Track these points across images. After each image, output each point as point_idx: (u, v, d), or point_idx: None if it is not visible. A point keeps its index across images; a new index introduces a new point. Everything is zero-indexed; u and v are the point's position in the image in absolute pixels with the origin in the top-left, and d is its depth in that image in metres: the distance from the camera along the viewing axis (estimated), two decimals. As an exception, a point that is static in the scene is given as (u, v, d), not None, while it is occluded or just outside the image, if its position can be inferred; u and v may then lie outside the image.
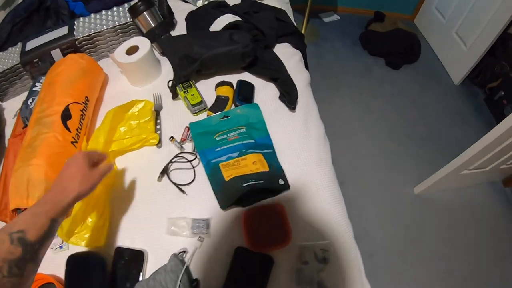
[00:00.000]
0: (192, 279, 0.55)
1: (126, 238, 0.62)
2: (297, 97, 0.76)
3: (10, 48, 0.85)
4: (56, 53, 0.82)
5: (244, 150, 0.67)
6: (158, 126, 0.74)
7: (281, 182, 0.64)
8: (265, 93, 0.80)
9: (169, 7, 0.95)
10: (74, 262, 0.58)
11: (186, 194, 0.65)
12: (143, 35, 0.86)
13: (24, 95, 0.82)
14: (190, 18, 0.96)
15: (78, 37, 0.83)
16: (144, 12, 0.82)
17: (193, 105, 0.74)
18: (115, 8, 0.90)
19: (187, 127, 0.74)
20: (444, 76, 1.95)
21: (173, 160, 0.69)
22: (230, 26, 0.84)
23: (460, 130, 1.68)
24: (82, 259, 0.58)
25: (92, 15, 0.89)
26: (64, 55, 0.83)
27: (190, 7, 1.03)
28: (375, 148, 1.63)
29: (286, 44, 0.92)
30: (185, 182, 0.67)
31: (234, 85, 0.78)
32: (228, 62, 0.78)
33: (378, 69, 1.98)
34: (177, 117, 0.76)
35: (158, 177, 0.68)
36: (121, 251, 0.59)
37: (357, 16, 2.32)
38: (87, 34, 0.83)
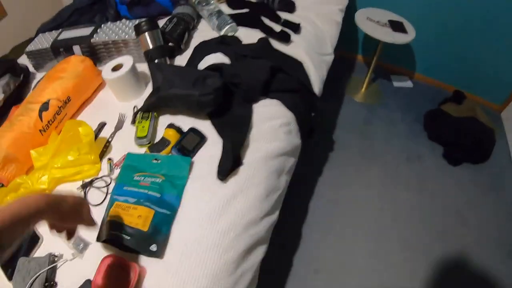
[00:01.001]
0: (50, 282, 0.59)
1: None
2: (228, 170, 0.69)
3: (53, 31, 1.03)
4: (76, 49, 0.96)
5: (141, 200, 0.67)
6: (107, 143, 0.80)
7: (153, 248, 0.61)
8: (217, 150, 0.77)
9: (182, 33, 0.99)
10: None
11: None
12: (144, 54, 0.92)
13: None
14: (197, 48, 0.98)
15: (94, 42, 0.94)
16: (146, 33, 0.88)
17: (137, 137, 0.77)
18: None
19: (124, 154, 0.78)
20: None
21: (95, 179, 0.75)
22: (213, 68, 0.84)
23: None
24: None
25: (121, 22, 1.00)
26: (83, 52, 0.97)
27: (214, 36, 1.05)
28: (373, 253, 1.26)
29: (277, 101, 0.86)
30: (96, 202, 0.72)
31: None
32: (185, 106, 0.78)
33: (431, 158, 1.59)
34: (129, 142, 0.80)
35: (78, 188, 0.74)
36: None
37: (433, 88, 1.93)
38: (102, 41, 0.94)
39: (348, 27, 1.52)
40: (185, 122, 0.80)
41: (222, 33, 1.04)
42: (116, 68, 0.85)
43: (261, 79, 0.83)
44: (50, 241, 0.66)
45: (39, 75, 1.05)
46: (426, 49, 1.83)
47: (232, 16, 1.09)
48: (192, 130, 0.78)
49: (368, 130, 1.74)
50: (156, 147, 0.76)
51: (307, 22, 1.13)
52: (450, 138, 1.59)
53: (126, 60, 0.85)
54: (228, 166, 0.70)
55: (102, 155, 0.78)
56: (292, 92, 0.88)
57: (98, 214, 0.67)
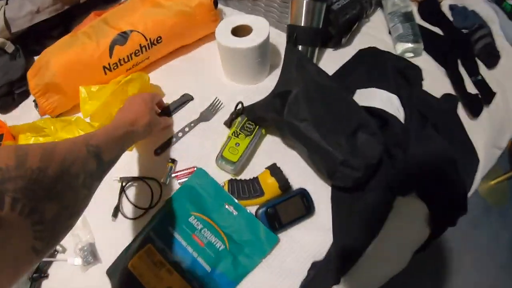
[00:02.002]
0: (41, 273, 0.47)
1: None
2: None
3: None
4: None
5: (183, 265, 0.43)
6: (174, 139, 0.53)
7: None
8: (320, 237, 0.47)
9: (352, 21, 0.62)
10: None
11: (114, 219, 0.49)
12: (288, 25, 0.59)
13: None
14: (363, 56, 0.62)
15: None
16: (305, 0, 0.54)
17: (222, 156, 0.49)
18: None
19: (194, 167, 0.51)
20: None
21: (141, 178, 0.50)
22: (375, 113, 0.50)
23: None
24: None
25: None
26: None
27: (380, 43, 0.68)
28: None
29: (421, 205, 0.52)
30: (131, 215, 0.49)
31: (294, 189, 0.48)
32: (310, 156, 0.47)
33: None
34: (209, 149, 0.52)
35: (115, 178, 0.50)
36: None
37: None
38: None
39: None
40: (298, 172, 0.50)
41: (398, 50, 0.66)
42: (239, 31, 0.54)
43: (436, 173, 0.49)
44: None
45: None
46: None
47: (420, 30, 0.70)
48: (302, 194, 0.47)
49: (467, 235, 1.31)
50: (240, 187, 0.48)
51: (500, 94, 0.72)
52: None
53: (259, 25, 0.53)
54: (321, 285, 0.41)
55: (162, 147, 0.52)
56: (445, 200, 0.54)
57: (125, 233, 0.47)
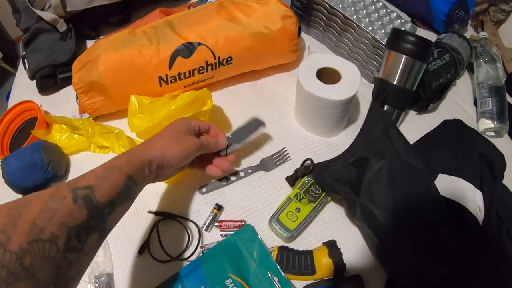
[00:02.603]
0: None
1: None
2: None
3: None
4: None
5: None
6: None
7: None
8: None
9: (445, 86, 0.54)
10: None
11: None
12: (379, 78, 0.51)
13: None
14: (441, 129, 0.53)
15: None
16: (404, 56, 0.47)
17: (278, 220, 0.42)
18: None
19: (242, 221, 0.44)
20: None
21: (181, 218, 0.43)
22: (454, 208, 0.42)
23: None
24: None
25: (373, 0, 0.57)
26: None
27: (463, 114, 0.59)
28: None
29: None
30: (175, 247, 0.42)
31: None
32: (378, 249, 0.40)
33: None
34: (264, 204, 0.45)
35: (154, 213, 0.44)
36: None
37: None
38: (330, 4, 0.52)
39: None
40: (355, 254, 0.42)
41: (481, 127, 0.58)
42: (324, 75, 0.46)
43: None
44: None
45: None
46: None
47: (509, 108, 0.62)
48: (356, 282, 0.40)
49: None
50: (291, 259, 0.41)
51: None
52: None
53: (349, 74, 0.45)
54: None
55: (209, 187, 0.46)
56: None
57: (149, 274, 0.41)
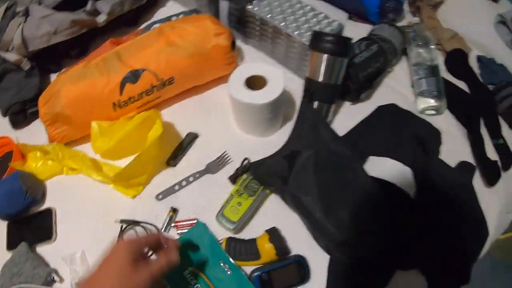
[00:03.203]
0: None
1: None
2: None
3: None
4: (224, 4, 0.63)
5: None
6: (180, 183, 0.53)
7: None
8: None
9: (374, 75, 0.60)
10: None
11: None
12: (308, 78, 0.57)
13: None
14: (374, 115, 0.59)
15: (249, 10, 0.60)
16: (325, 55, 0.52)
17: (223, 214, 0.49)
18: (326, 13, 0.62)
19: (195, 219, 0.51)
20: None
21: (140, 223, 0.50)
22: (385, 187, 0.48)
23: None
24: None
25: (301, 2, 0.63)
26: (229, 14, 0.64)
27: (401, 97, 0.66)
28: None
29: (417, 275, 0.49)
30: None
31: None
32: (312, 232, 0.46)
33: None
34: (212, 201, 0.52)
35: (116, 220, 0.51)
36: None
37: None
38: (260, 17, 0.59)
39: None
40: (298, 237, 0.49)
41: (420, 106, 0.64)
42: (253, 82, 0.52)
43: (441, 252, 0.48)
44: (62, 246, 0.52)
45: (171, 5, 0.77)
46: None
47: (445, 85, 0.67)
48: (298, 262, 0.47)
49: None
50: (238, 247, 0.48)
51: None
52: None
53: (274, 78, 0.51)
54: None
55: (165, 193, 0.52)
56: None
57: None
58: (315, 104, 0.55)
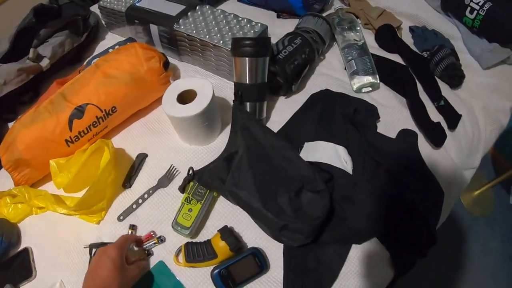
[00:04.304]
0: None
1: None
2: None
3: (137, -8, 0.76)
4: (154, 30, 0.68)
5: None
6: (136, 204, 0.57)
7: None
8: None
9: (301, 67, 0.64)
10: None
11: None
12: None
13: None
14: (307, 104, 0.64)
15: (177, 29, 0.65)
16: (247, 58, 0.57)
17: (177, 223, 0.53)
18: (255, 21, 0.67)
19: (152, 232, 0.55)
20: None
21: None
22: (323, 168, 0.52)
23: None
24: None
25: (223, 13, 0.68)
26: (160, 37, 0.69)
27: (336, 81, 0.70)
28: None
29: (382, 250, 0.53)
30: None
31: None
32: (257, 224, 0.51)
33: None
34: (167, 213, 0.56)
35: (85, 246, 0.55)
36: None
37: None
38: (187, 34, 0.65)
39: None
40: (252, 230, 0.53)
41: (355, 86, 0.68)
42: (185, 96, 0.57)
43: (383, 226, 0.52)
44: (42, 281, 0.56)
45: (110, 37, 0.82)
46: None
47: (376, 61, 0.71)
48: (253, 254, 0.51)
49: (457, 250, 1.31)
50: (195, 250, 0.52)
51: (467, 115, 0.70)
52: None
53: (203, 89, 0.56)
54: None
55: (124, 214, 0.57)
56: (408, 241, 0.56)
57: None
58: (247, 105, 0.59)
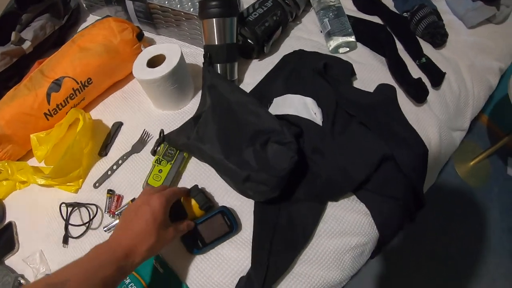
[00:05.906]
0: None
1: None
2: None
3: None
4: (129, 4, 0.71)
5: None
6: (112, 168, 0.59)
7: None
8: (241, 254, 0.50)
9: (272, 29, 0.65)
10: None
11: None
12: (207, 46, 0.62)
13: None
14: (279, 64, 0.64)
15: (150, 2, 0.67)
16: (213, 19, 0.58)
17: (148, 184, 0.54)
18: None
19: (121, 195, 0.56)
20: None
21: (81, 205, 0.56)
22: (291, 120, 0.52)
23: None
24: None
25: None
26: (136, 12, 0.71)
27: (312, 44, 0.70)
28: None
29: (363, 209, 0.52)
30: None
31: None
32: (223, 178, 0.50)
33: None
34: (141, 176, 0.57)
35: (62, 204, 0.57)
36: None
37: None
38: (160, 5, 0.66)
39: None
40: (223, 190, 0.54)
41: (331, 47, 0.68)
42: (155, 62, 0.58)
43: (357, 178, 0.50)
44: (25, 253, 0.58)
45: (91, 19, 0.85)
46: None
47: (354, 22, 0.71)
48: (222, 212, 0.51)
49: (455, 222, 1.26)
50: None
51: (453, 74, 0.69)
52: None
53: (171, 53, 0.58)
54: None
55: (100, 181, 0.59)
56: (391, 200, 0.54)
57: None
58: (218, 67, 0.60)
